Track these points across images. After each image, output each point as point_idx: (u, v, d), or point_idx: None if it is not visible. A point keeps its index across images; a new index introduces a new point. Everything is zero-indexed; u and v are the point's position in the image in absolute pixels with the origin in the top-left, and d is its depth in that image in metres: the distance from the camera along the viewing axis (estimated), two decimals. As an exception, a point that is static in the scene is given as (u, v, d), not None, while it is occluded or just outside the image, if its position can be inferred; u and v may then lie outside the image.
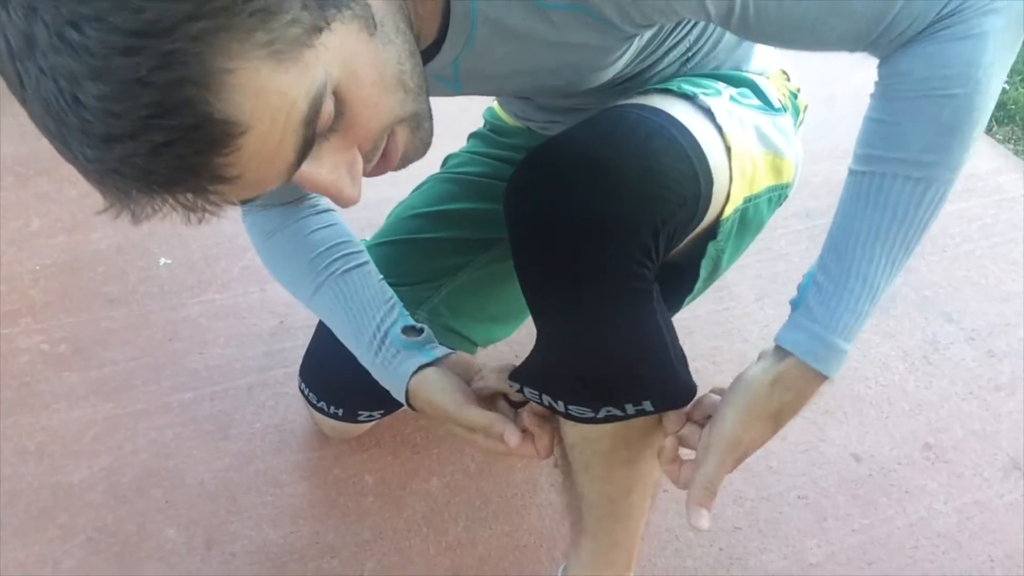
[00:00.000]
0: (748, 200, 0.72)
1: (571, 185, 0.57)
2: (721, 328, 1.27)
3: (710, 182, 0.64)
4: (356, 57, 0.45)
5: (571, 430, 0.72)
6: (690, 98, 0.69)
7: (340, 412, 0.99)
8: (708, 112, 0.68)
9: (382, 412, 1.02)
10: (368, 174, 0.51)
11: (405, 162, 0.53)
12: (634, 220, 0.57)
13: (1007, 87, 1.94)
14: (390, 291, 0.80)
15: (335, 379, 0.96)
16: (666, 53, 0.75)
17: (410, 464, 1.07)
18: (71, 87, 0.37)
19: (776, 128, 0.77)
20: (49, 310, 1.23)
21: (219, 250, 1.34)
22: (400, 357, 0.75)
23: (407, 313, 0.79)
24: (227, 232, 1.36)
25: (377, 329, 0.76)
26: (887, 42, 0.56)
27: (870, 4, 0.54)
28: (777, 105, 0.80)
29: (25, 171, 1.46)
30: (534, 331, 0.64)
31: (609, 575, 0.84)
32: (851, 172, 0.60)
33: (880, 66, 0.59)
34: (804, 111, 0.90)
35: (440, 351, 0.75)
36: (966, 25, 0.54)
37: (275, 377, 1.16)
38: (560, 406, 0.66)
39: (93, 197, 0.40)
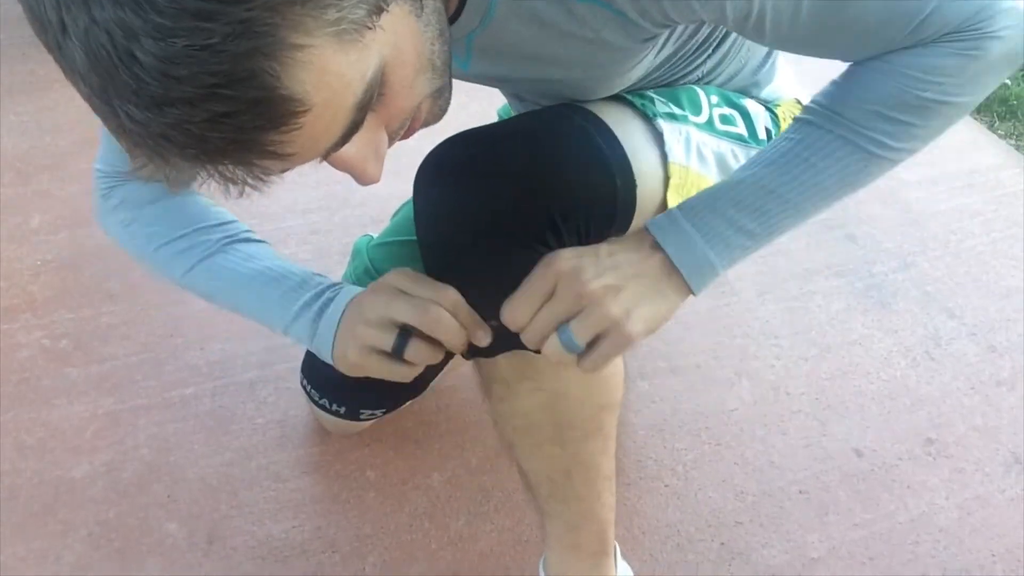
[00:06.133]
0: None
1: (475, 175, 0.62)
2: (722, 323, 1.27)
3: (632, 188, 0.66)
4: (403, 39, 0.44)
5: (495, 405, 0.74)
6: (648, 119, 0.70)
7: (342, 410, 0.99)
8: (659, 136, 0.70)
9: (384, 410, 1.03)
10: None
11: (423, 127, 0.54)
12: (527, 211, 0.61)
13: (1008, 83, 1.94)
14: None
15: (337, 375, 0.96)
16: (681, 78, 0.75)
17: (412, 459, 1.07)
18: (127, 42, 0.34)
19: (747, 159, 0.77)
20: (50, 306, 1.22)
21: (220, 246, 1.33)
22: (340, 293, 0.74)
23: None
24: (228, 228, 1.35)
25: (319, 282, 0.75)
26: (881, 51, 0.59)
27: (883, 24, 0.56)
28: (761, 136, 0.81)
29: (26, 167, 1.46)
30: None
31: (581, 558, 0.83)
32: (797, 119, 0.63)
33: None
34: None
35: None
36: (967, 44, 0.56)
37: (276, 372, 1.16)
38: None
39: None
